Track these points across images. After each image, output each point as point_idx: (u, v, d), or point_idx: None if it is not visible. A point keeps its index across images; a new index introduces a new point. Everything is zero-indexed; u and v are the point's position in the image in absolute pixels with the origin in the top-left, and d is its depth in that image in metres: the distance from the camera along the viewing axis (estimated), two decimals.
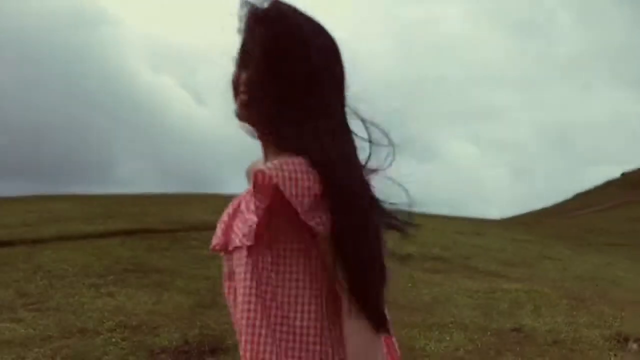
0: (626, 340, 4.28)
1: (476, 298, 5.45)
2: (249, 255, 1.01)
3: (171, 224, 7.59)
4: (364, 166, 1.06)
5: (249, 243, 1.01)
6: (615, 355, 3.86)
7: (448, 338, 4.11)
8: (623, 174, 56.47)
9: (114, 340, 3.72)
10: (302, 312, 1.01)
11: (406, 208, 1.12)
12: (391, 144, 1.09)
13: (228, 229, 1.11)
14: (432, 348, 3.89)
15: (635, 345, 4.19)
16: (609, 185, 53.07)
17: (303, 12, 1.05)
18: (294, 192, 0.93)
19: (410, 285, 5.99)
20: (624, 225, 26.62)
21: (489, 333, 4.23)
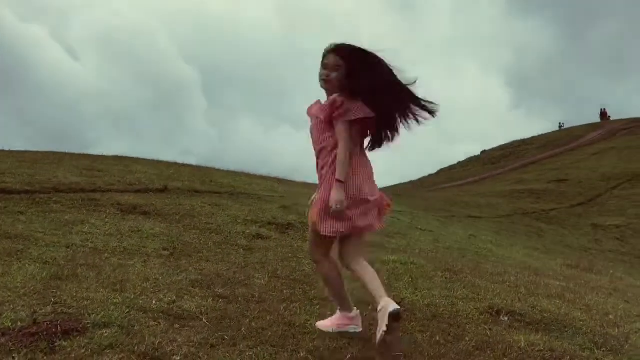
0: (498, 313, 4.41)
1: None
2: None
3: (30, 184, 6.69)
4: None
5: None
6: (490, 329, 3.93)
7: (329, 313, 3.95)
8: (483, 152, 61.02)
9: None
10: None
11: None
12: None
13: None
14: (314, 324, 3.70)
15: (506, 319, 4.33)
16: (470, 162, 57.15)
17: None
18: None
19: (290, 255, 5.81)
20: (482, 199, 28.78)
21: (370, 307, 4.13)
